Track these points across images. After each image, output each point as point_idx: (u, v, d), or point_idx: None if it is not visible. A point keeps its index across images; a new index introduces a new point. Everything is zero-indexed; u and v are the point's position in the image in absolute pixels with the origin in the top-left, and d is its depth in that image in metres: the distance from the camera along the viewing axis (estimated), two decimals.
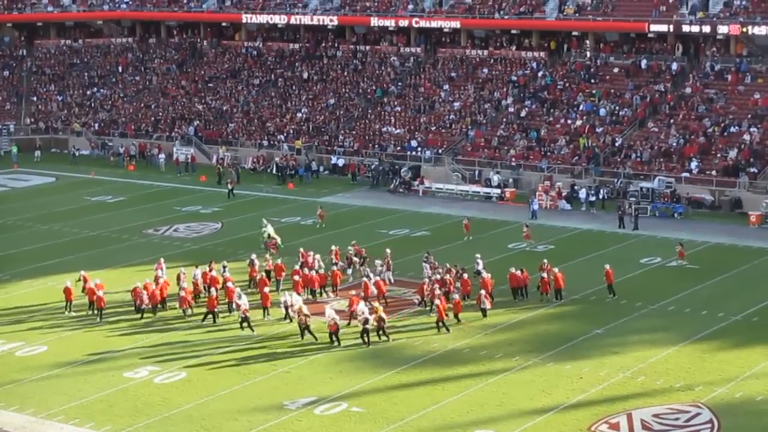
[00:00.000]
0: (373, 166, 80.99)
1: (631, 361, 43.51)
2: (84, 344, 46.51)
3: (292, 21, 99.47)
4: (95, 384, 42.11)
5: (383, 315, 46.33)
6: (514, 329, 47.74)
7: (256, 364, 43.98)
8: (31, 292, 53.88)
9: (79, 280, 52.04)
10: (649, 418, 38.21)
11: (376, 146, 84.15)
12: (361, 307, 47.10)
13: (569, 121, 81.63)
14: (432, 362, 43.88)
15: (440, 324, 46.73)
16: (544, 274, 51.54)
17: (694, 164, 73.34)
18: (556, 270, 51.36)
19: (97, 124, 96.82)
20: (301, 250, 55.51)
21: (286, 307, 48.19)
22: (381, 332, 46.13)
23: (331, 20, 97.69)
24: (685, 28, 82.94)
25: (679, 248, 57.36)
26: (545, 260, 53.24)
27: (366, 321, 45.79)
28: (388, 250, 55.28)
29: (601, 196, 71.71)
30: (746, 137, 74.56)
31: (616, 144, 77.54)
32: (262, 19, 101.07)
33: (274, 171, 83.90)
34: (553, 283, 51.14)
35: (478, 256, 54.73)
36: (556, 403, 39.55)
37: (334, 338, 45.80)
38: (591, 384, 41.28)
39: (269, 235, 57.56)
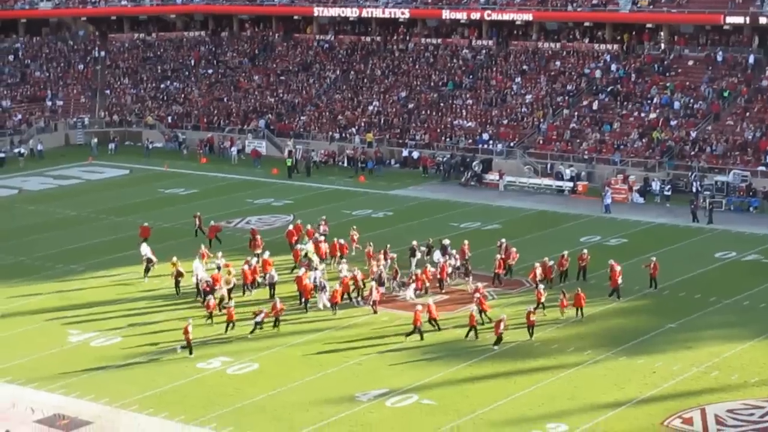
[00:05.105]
0: (444, 159, 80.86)
1: (705, 356, 43.12)
2: (157, 335, 46.96)
3: (364, 14, 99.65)
4: (168, 374, 42.51)
5: None
6: (585, 323, 47.48)
7: (328, 355, 44.16)
8: (106, 283, 54.48)
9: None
10: (723, 414, 37.87)
11: (448, 139, 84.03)
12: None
13: (642, 114, 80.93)
14: (503, 355, 43.79)
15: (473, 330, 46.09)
16: (498, 255, 53.03)
17: None
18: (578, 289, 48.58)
19: (170, 117, 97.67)
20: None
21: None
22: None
23: (403, 13, 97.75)
24: (762, 20, 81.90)
25: (562, 296, 48.08)
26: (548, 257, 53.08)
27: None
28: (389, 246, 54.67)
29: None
30: None
31: (691, 137, 76.73)
32: (334, 12, 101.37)
33: (345, 163, 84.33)
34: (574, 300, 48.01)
35: (447, 241, 54.93)
36: (628, 398, 39.30)
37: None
38: (664, 379, 40.96)
39: (306, 254, 56.74)
